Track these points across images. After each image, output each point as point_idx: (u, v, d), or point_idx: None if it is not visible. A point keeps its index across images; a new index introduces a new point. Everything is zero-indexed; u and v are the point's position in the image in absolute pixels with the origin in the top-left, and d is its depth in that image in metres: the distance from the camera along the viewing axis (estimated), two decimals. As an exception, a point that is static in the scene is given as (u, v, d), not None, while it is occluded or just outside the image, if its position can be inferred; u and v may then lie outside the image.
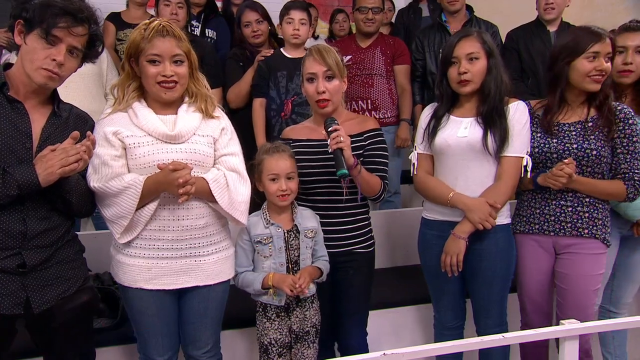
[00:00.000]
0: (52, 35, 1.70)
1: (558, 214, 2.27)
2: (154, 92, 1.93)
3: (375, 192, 2.19)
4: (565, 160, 2.16)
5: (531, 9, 3.69)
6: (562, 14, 3.60)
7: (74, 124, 1.86)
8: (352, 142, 2.19)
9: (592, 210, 2.24)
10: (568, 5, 3.62)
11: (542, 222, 2.30)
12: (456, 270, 2.22)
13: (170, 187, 1.84)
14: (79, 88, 2.96)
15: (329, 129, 2.04)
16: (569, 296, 2.28)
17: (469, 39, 2.21)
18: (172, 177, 1.80)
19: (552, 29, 3.59)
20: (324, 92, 2.17)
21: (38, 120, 1.77)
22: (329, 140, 2.03)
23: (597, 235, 2.24)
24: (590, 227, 2.24)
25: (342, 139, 2.00)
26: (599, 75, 2.18)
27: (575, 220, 2.25)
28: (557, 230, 2.27)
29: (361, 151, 2.20)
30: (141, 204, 1.87)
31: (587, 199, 2.24)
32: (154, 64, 1.89)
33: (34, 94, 1.77)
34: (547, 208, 2.29)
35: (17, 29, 1.72)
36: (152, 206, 1.90)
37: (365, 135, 2.23)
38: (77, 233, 2.50)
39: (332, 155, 2.18)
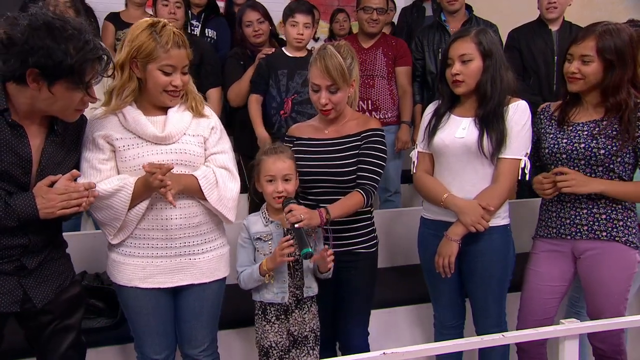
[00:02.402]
0: (86, 83, 1.69)
1: (573, 217, 2.22)
2: (159, 99, 1.93)
3: (361, 208, 2.17)
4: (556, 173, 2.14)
5: (530, 8, 3.69)
6: (564, 13, 3.60)
7: (72, 130, 1.86)
8: (350, 142, 2.20)
9: (609, 211, 2.18)
10: (570, 4, 3.62)
11: (559, 226, 2.26)
12: (449, 272, 2.21)
13: (155, 188, 1.83)
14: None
15: (284, 209, 2.03)
16: (595, 299, 2.24)
17: (464, 40, 2.19)
18: (150, 180, 1.81)
19: (554, 28, 3.59)
20: (326, 104, 2.17)
21: (37, 139, 1.75)
22: (286, 220, 2.02)
23: (617, 238, 2.17)
24: (609, 229, 2.17)
25: (301, 216, 1.98)
26: (571, 77, 2.16)
27: (591, 223, 2.19)
28: (574, 233, 2.22)
29: (357, 151, 2.20)
30: (132, 205, 1.88)
31: (603, 200, 2.17)
32: (165, 73, 1.89)
33: (35, 114, 1.74)
34: (563, 211, 2.25)
35: (31, 77, 1.62)
36: (142, 206, 1.90)
37: (362, 135, 2.21)
38: (77, 233, 2.51)
39: (335, 155, 2.19)
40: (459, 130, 2.22)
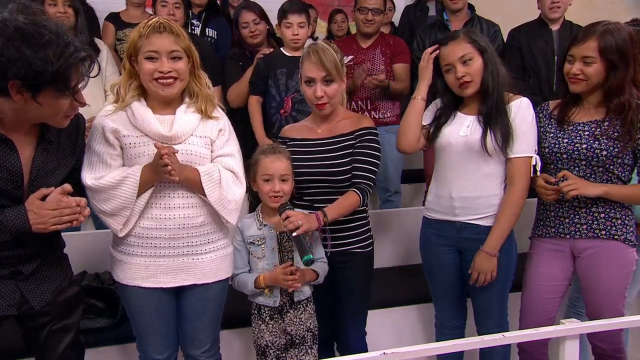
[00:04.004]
0: (72, 88, 1.63)
1: (572, 216, 2.21)
2: (151, 89, 1.92)
3: (357, 207, 2.16)
4: (559, 174, 2.14)
5: (531, 7, 3.68)
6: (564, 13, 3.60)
7: (67, 134, 1.84)
8: (343, 141, 2.20)
9: (608, 210, 2.18)
10: (571, 4, 3.62)
11: (558, 225, 2.25)
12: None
13: (159, 170, 1.83)
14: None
15: (281, 216, 2.03)
16: (594, 298, 2.23)
17: (457, 42, 2.18)
18: (156, 158, 1.81)
19: (554, 27, 3.59)
20: (322, 97, 2.17)
21: (26, 149, 1.71)
22: (284, 228, 2.02)
23: (616, 236, 2.17)
24: (608, 228, 2.17)
25: (299, 223, 1.97)
26: (573, 78, 2.15)
27: (590, 222, 2.19)
28: (573, 233, 2.22)
29: (351, 150, 2.19)
30: (139, 192, 1.88)
31: (602, 199, 2.16)
32: (151, 60, 1.88)
33: (23, 124, 1.70)
34: (561, 210, 2.24)
35: (14, 89, 1.54)
36: (145, 196, 1.90)
37: (355, 134, 2.21)
38: (77, 233, 2.50)
39: (328, 154, 2.19)
40: (463, 128, 2.21)
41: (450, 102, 2.28)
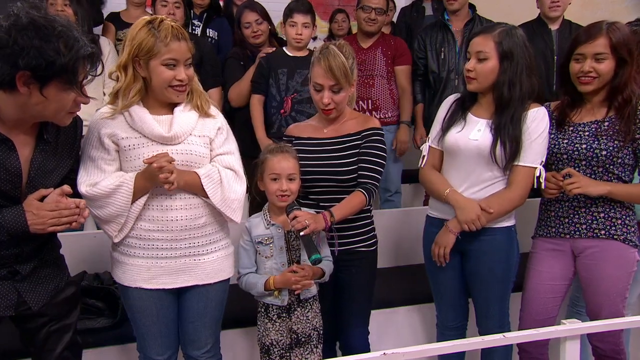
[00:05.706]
0: (78, 82, 1.64)
1: (572, 215, 2.21)
2: (165, 95, 1.91)
3: (363, 207, 2.17)
4: (562, 171, 2.13)
5: (532, 7, 3.68)
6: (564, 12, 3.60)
7: (65, 135, 1.83)
8: (350, 141, 2.20)
9: (608, 210, 2.17)
10: (570, 3, 3.62)
11: (558, 225, 2.25)
12: (443, 261, 2.22)
13: (155, 178, 1.83)
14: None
15: (289, 216, 2.03)
16: (593, 297, 2.23)
17: (485, 37, 2.14)
18: (151, 168, 1.81)
19: (554, 27, 3.58)
20: (329, 104, 2.17)
21: (25, 149, 1.71)
22: (292, 228, 2.03)
23: (615, 236, 2.16)
24: (608, 227, 2.17)
25: (307, 222, 1.98)
26: (585, 77, 2.13)
27: (590, 222, 2.19)
28: (573, 232, 2.22)
29: (357, 150, 2.19)
30: (133, 200, 1.88)
31: (602, 199, 2.16)
32: (169, 67, 1.87)
33: (24, 123, 1.69)
34: (562, 210, 2.24)
35: (22, 80, 1.54)
36: (141, 201, 1.89)
37: (362, 134, 2.21)
38: (77, 233, 2.49)
39: (334, 154, 2.20)
40: (474, 132, 2.19)
41: (465, 95, 2.26)
